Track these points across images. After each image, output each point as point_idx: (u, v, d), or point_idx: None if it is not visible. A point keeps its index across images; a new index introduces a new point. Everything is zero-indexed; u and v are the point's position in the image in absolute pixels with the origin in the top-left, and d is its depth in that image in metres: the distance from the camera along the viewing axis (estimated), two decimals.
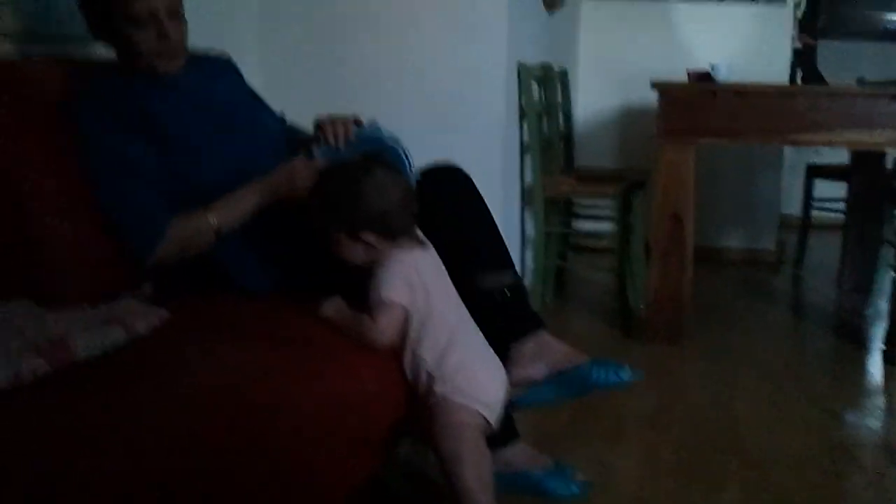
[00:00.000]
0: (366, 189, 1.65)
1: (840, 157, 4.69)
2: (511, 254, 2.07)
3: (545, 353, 1.93)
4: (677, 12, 4.94)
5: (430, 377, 1.68)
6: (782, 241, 5.09)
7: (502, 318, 1.89)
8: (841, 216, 4.61)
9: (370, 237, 1.67)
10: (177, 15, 1.87)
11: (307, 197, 1.76)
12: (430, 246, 1.76)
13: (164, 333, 1.54)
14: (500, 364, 1.80)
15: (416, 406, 1.71)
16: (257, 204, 1.87)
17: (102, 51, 2.10)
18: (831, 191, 4.84)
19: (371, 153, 1.76)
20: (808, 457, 2.36)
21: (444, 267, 1.76)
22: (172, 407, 1.26)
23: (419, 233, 1.76)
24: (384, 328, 1.66)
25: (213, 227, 1.83)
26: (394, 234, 1.69)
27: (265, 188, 1.87)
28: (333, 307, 1.69)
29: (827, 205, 4.89)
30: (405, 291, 1.66)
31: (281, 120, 2.24)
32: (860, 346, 3.44)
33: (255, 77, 2.82)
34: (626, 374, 1.88)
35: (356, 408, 1.56)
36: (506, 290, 1.94)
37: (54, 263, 1.70)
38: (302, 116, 2.21)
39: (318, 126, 1.98)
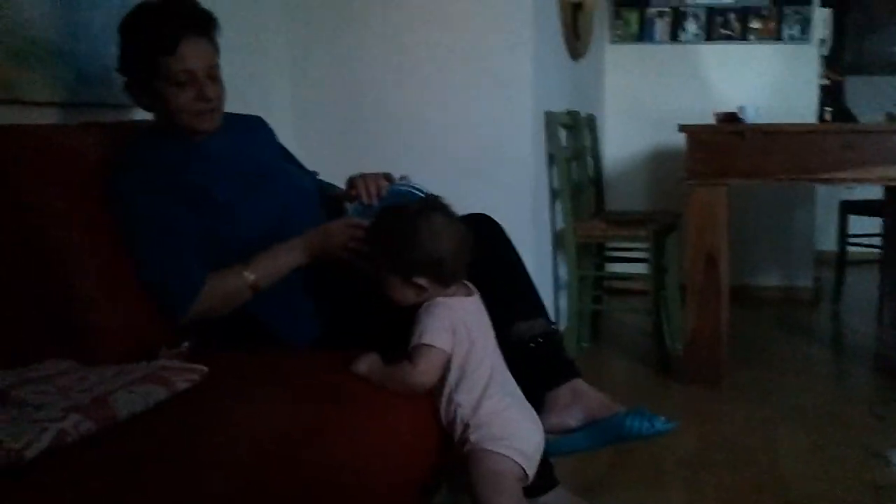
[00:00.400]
0: (423, 233, 1.67)
1: (874, 192, 4.66)
2: (545, 299, 2.07)
3: (580, 401, 1.92)
4: (702, 54, 4.97)
5: (466, 424, 1.68)
6: (819, 278, 5.04)
7: (536, 366, 1.89)
8: (877, 251, 4.57)
9: (423, 281, 1.68)
10: (215, 77, 1.92)
11: (346, 251, 1.81)
12: (477, 293, 1.77)
13: (203, 390, 1.55)
14: (535, 414, 1.80)
15: (453, 454, 1.72)
16: (294, 262, 1.89)
17: (136, 117, 2.16)
18: (866, 226, 4.80)
19: (431, 198, 1.77)
20: (852, 498, 2.32)
21: (487, 315, 1.77)
22: (210, 462, 1.28)
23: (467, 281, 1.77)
24: (424, 370, 1.66)
25: (248, 284, 1.86)
26: (446, 280, 1.70)
27: (301, 247, 1.90)
28: (367, 363, 1.70)
29: (862, 240, 4.84)
30: (447, 338, 1.66)
31: (312, 177, 2.28)
32: None
33: (287, 134, 2.87)
34: (660, 424, 1.85)
35: (393, 459, 1.57)
36: (539, 338, 1.94)
37: (93, 323, 1.73)
38: (335, 171, 2.25)
39: (351, 183, 2.02)
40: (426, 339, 1.65)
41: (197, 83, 1.87)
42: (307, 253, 1.90)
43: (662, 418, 1.86)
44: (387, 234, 1.71)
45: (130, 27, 1.89)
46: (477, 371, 1.69)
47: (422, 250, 1.66)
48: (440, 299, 1.70)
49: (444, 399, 1.70)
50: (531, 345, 1.93)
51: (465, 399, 1.68)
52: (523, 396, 1.78)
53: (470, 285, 1.77)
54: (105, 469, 1.23)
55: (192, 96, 1.87)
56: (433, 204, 1.73)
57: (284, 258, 1.89)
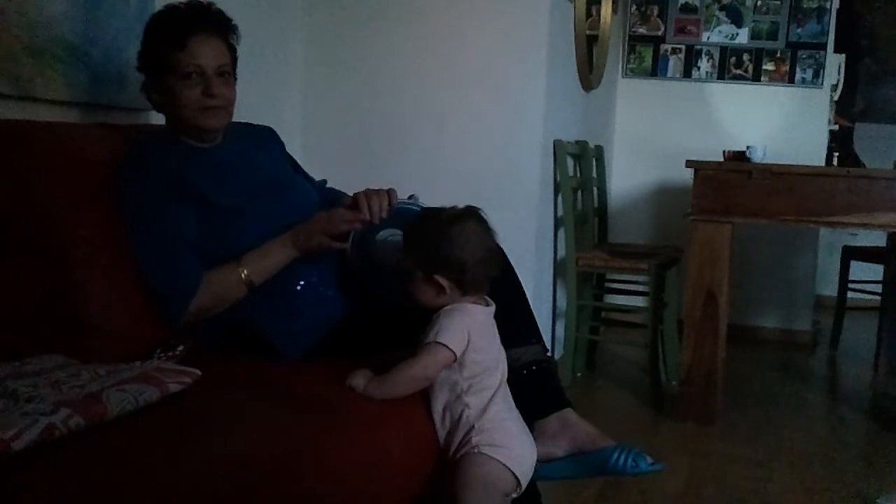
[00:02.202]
0: (452, 234, 1.69)
1: (877, 239, 4.66)
2: (543, 326, 2.07)
3: (568, 432, 1.92)
4: (714, 92, 4.99)
5: (471, 426, 1.68)
6: (817, 322, 5.03)
7: (527, 393, 1.88)
8: (877, 298, 4.57)
9: (443, 281, 1.69)
10: (225, 75, 1.95)
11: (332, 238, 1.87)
12: (493, 307, 1.77)
13: (194, 394, 1.55)
14: (531, 436, 1.80)
15: (446, 462, 1.71)
16: (285, 257, 1.91)
17: (148, 121, 2.18)
18: (868, 272, 4.81)
19: (472, 208, 1.77)
20: None
21: (497, 333, 1.78)
22: (196, 470, 1.27)
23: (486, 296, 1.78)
24: (426, 364, 1.67)
25: (243, 280, 1.87)
26: (466, 286, 1.71)
27: (291, 241, 1.91)
28: (363, 377, 1.70)
29: (863, 286, 4.84)
30: (460, 341, 1.67)
31: (322, 185, 2.29)
32: None
33: (296, 147, 2.89)
34: (645, 465, 1.84)
35: (383, 476, 1.57)
36: (532, 365, 1.94)
37: (93, 320, 1.74)
38: (341, 186, 2.26)
39: (355, 200, 2.02)
40: (440, 338, 1.66)
41: (205, 79, 1.90)
42: (297, 247, 1.91)
43: (650, 459, 1.85)
44: (420, 230, 1.74)
45: (150, 25, 1.95)
46: (490, 377, 1.71)
47: (446, 249, 1.68)
48: (462, 305, 1.71)
49: (450, 400, 1.70)
50: (524, 371, 1.93)
51: (474, 401, 1.69)
52: (521, 418, 1.78)
53: (488, 299, 1.77)
54: (90, 467, 1.23)
55: (198, 91, 1.90)
56: (472, 212, 1.75)
57: (276, 254, 1.91)
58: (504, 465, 1.66)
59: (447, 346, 1.66)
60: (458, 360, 1.68)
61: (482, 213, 1.76)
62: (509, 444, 1.68)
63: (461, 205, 1.78)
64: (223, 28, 1.96)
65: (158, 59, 1.90)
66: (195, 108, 1.91)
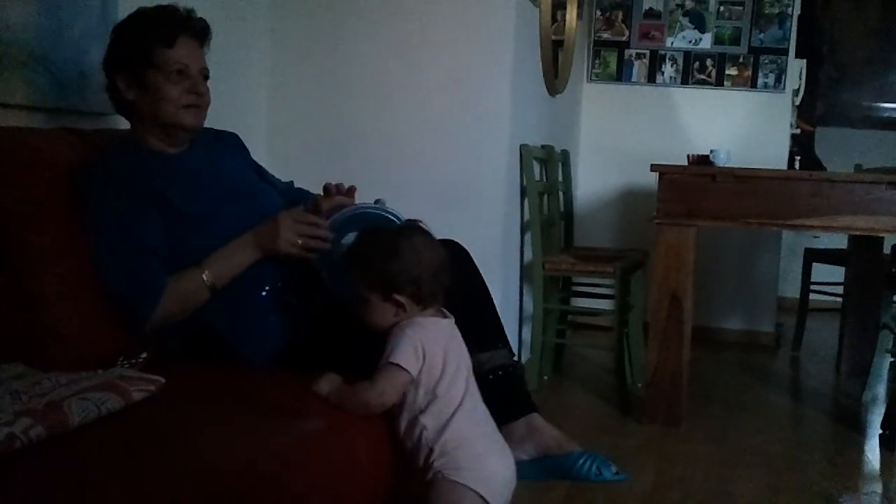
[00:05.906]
0: (405, 250, 1.69)
1: (838, 241, 4.73)
2: (510, 330, 2.07)
3: (535, 436, 1.92)
4: (677, 97, 5.03)
5: (430, 449, 1.65)
6: (780, 324, 5.09)
7: (494, 398, 1.87)
8: (839, 300, 4.63)
9: (402, 299, 1.68)
10: (205, 79, 1.99)
11: (295, 247, 1.87)
12: (451, 317, 1.76)
13: (158, 402, 1.54)
14: (507, 447, 1.77)
15: (414, 479, 1.70)
16: (247, 259, 1.91)
17: (111, 125, 2.15)
18: (830, 274, 4.87)
19: (411, 222, 1.79)
20: None
21: (461, 340, 1.77)
22: (165, 479, 1.26)
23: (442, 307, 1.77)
24: (382, 390, 1.65)
25: (206, 284, 1.86)
26: (424, 299, 1.70)
27: (252, 243, 1.91)
28: (329, 383, 1.69)
29: (825, 288, 4.90)
30: (414, 359, 1.65)
31: (289, 186, 2.29)
32: (858, 430, 3.42)
33: (261, 153, 2.87)
34: (609, 474, 1.85)
35: (350, 481, 1.56)
36: (499, 370, 1.94)
37: (52, 328, 1.72)
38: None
39: (316, 205, 2.02)
40: (393, 358, 1.64)
41: (190, 78, 1.93)
42: (259, 248, 1.91)
43: (614, 468, 1.86)
44: (368, 253, 1.72)
45: (128, 24, 1.95)
46: (447, 394, 1.68)
47: (403, 266, 1.67)
48: (414, 319, 1.70)
49: (408, 421, 1.68)
50: (490, 376, 1.93)
51: (431, 422, 1.66)
52: (495, 427, 1.77)
53: (445, 311, 1.77)
54: (51, 478, 1.22)
55: (184, 88, 1.92)
56: (413, 226, 1.76)
57: (238, 256, 1.91)
58: (471, 488, 1.64)
59: (401, 366, 1.64)
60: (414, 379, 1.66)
61: (424, 225, 1.78)
62: (474, 466, 1.65)
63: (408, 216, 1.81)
64: (205, 36, 2.00)
65: (142, 54, 1.89)
66: (178, 104, 1.91)
